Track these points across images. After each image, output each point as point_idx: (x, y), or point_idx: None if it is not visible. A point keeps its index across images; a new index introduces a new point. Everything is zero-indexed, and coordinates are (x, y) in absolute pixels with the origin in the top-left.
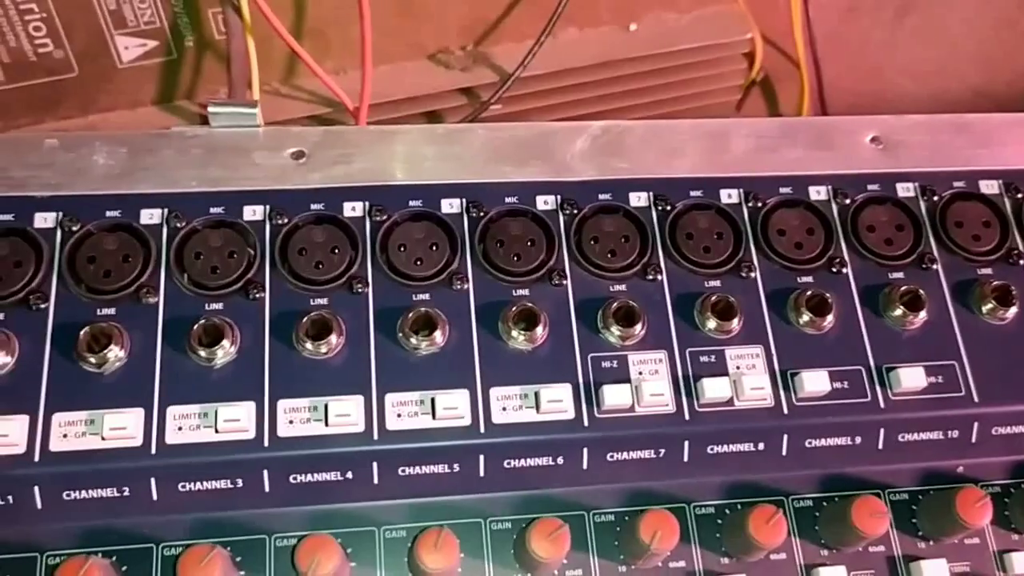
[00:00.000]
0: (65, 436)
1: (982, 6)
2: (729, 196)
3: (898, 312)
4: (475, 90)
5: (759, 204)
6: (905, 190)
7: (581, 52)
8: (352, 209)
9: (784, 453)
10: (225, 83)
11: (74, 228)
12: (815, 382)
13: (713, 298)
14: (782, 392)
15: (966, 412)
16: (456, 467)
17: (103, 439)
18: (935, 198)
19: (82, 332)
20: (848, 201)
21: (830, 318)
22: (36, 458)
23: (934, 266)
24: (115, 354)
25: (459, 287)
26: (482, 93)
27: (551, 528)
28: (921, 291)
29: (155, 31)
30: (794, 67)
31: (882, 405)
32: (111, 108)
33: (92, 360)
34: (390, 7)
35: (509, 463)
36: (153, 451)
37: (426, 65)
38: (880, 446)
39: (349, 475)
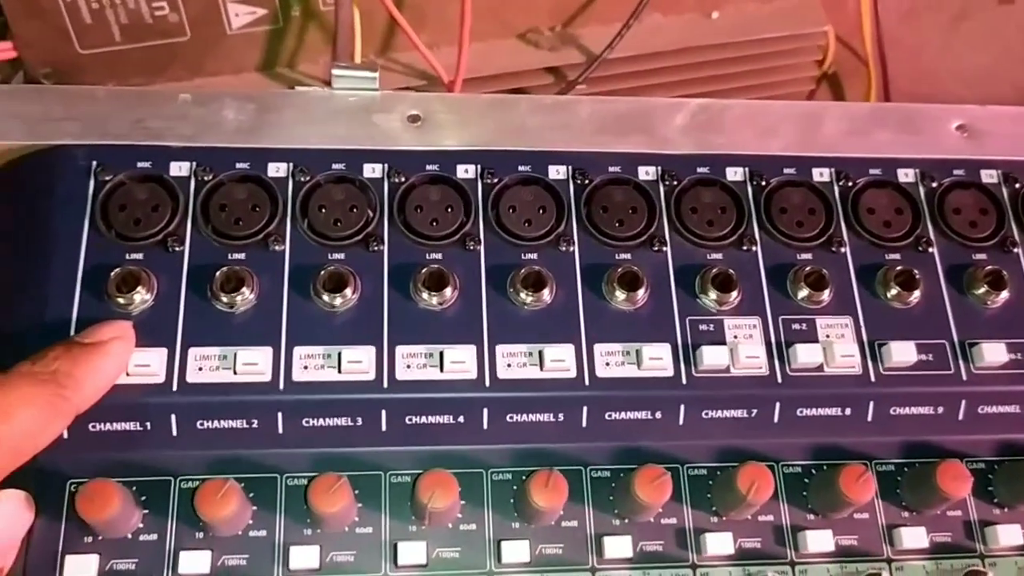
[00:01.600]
0: (200, 369)
1: None
2: (821, 175)
3: (982, 291)
4: (562, 70)
5: (850, 183)
6: (988, 176)
7: (664, 37)
8: (465, 171)
9: (870, 419)
10: (323, 53)
11: (207, 178)
12: (902, 353)
13: (806, 269)
14: (869, 361)
15: None
16: (561, 416)
17: (235, 373)
18: (1016, 185)
19: (217, 273)
20: (935, 184)
21: (917, 293)
22: (174, 387)
23: (1015, 249)
24: (246, 296)
25: (565, 248)
26: (568, 73)
27: (655, 475)
28: (1004, 272)
29: (265, 0)
30: (861, 64)
31: (964, 378)
32: (217, 72)
33: (225, 300)
34: None
35: (610, 415)
36: (281, 387)
37: (516, 44)
38: (960, 417)
39: (460, 419)
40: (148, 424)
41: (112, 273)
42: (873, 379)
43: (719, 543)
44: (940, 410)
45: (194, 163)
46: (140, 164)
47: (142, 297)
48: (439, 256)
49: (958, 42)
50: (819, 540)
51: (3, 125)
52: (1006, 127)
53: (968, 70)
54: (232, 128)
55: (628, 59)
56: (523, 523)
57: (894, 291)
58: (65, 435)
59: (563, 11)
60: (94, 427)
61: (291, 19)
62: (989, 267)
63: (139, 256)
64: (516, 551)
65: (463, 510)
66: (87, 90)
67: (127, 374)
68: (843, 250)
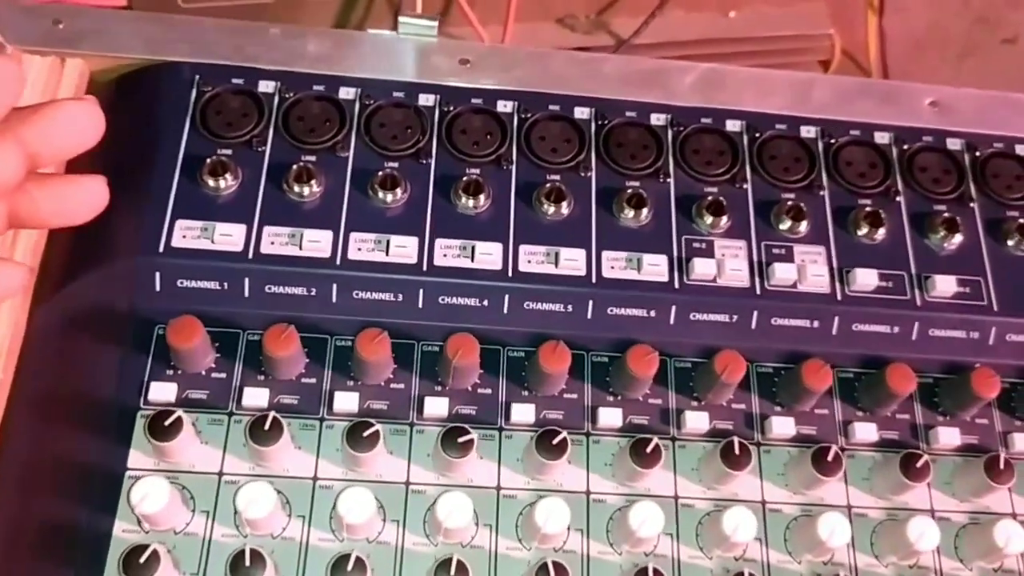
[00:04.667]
0: (272, 243)
1: None
2: (808, 132)
3: (940, 235)
4: (593, 51)
5: (832, 140)
6: (953, 144)
7: (684, 29)
8: (504, 106)
9: (834, 332)
10: (386, 18)
11: (287, 95)
12: (866, 278)
13: (788, 203)
14: (837, 284)
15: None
16: (570, 308)
17: (300, 249)
18: (977, 152)
19: (292, 167)
20: (906, 147)
21: (882, 231)
22: (249, 256)
23: (972, 204)
24: (313, 188)
25: (583, 174)
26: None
27: (645, 351)
28: (958, 219)
29: None
30: (864, 74)
31: (918, 303)
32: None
33: (296, 190)
34: None
35: (612, 310)
36: (338, 263)
37: (553, 26)
38: (914, 337)
39: (485, 303)
40: (226, 284)
41: (207, 161)
42: (839, 298)
43: (697, 421)
44: (896, 329)
45: (279, 83)
46: (234, 80)
47: (227, 183)
48: (477, 171)
49: (962, 78)
50: (783, 425)
51: (129, 42)
52: (972, 105)
53: None
54: (312, 57)
55: (651, 46)
56: (532, 391)
57: (864, 229)
58: (158, 287)
59: (597, 1)
60: (181, 283)
61: None
62: (946, 215)
63: (228, 152)
64: (524, 412)
65: (481, 377)
66: (196, 20)
67: (212, 241)
68: (822, 193)
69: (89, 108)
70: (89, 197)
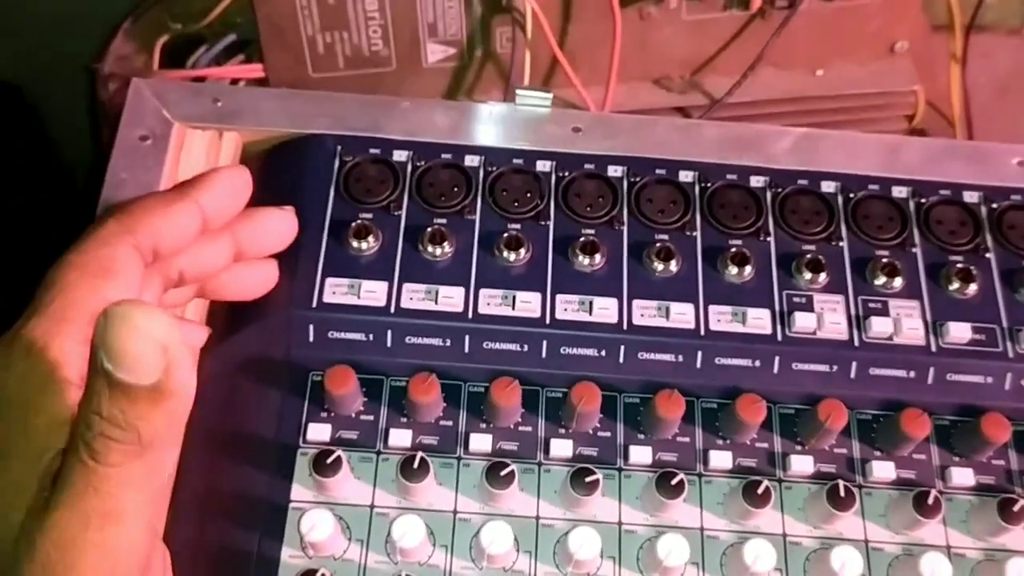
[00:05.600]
0: (411, 299)
1: None
2: (899, 192)
3: None
4: (688, 110)
5: (922, 200)
6: None
7: (774, 87)
8: (614, 171)
9: (929, 382)
10: (495, 87)
11: (419, 163)
12: (961, 331)
13: (883, 260)
14: (931, 337)
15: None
16: (680, 358)
17: (436, 303)
18: None
19: (427, 230)
20: (995, 205)
21: (973, 286)
22: (392, 311)
23: None
24: (445, 249)
25: (690, 234)
26: (693, 113)
27: (753, 400)
28: None
29: (455, 41)
30: (948, 126)
31: (1010, 355)
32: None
33: (430, 251)
34: (629, 40)
35: (719, 360)
36: (469, 316)
37: (650, 87)
38: (1007, 387)
39: (603, 353)
40: (371, 336)
41: (352, 225)
42: (933, 350)
43: (800, 464)
44: (989, 380)
45: (411, 152)
46: (372, 150)
47: (369, 244)
48: (592, 232)
49: None
50: (883, 469)
51: (277, 116)
52: None
53: None
54: (440, 128)
55: (743, 104)
56: (648, 435)
57: (956, 284)
58: (311, 338)
59: (691, 63)
60: (332, 334)
61: (474, 58)
62: None
63: (369, 216)
64: (641, 454)
65: (600, 421)
66: (336, 95)
67: (358, 297)
68: (914, 250)
69: (290, 217)
70: (263, 279)
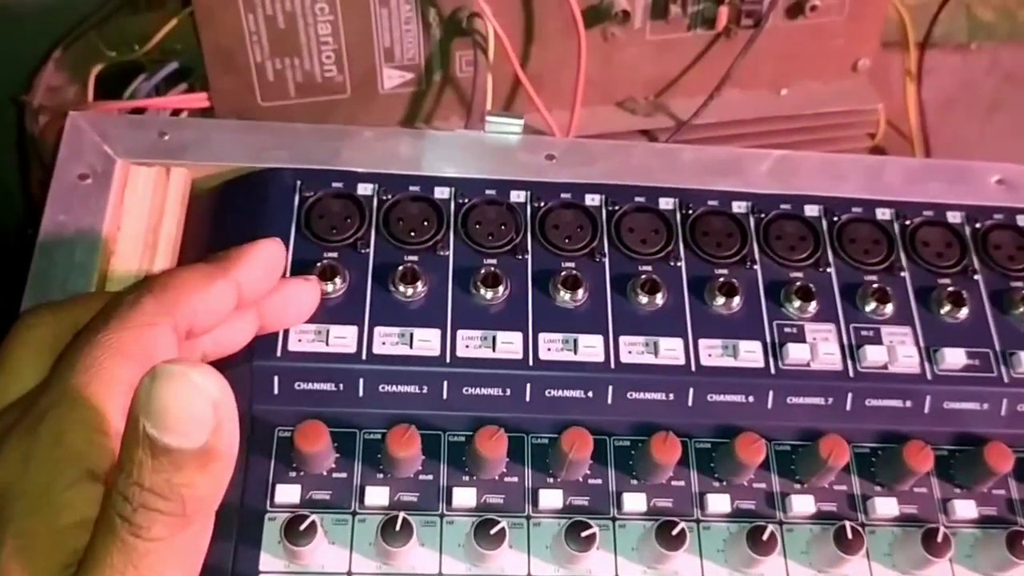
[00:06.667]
0: (383, 343)
1: None
2: (883, 214)
3: (1020, 310)
4: (653, 132)
5: (907, 222)
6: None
7: (740, 108)
8: (592, 199)
9: (927, 411)
10: (454, 112)
11: (386, 197)
12: (956, 356)
13: (872, 286)
14: (926, 364)
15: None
16: (671, 396)
17: (411, 347)
18: None
19: (397, 269)
20: (978, 225)
21: (965, 310)
22: (363, 357)
23: None
24: (419, 288)
25: (673, 264)
26: (659, 135)
27: (752, 440)
28: None
29: (413, 66)
30: (907, 143)
31: (1005, 380)
32: (367, 125)
33: (403, 291)
34: (593, 62)
35: (712, 397)
36: (447, 360)
37: (615, 110)
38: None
39: (591, 395)
40: (341, 385)
41: (316, 265)
42: (929, 377)
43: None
44: (986, 406)
45: (377, 185)
46: (335, 184)
47: (336, 286)
48: (572, 265)
49: (992, 133)
50: (886, 506)
51: (230, 149)
52: None
53: (1003, 158)
54: (406, 158)
55: (709, 125)
56: (641, 480)
57: (947, 308)
58: (276, 391)
59: (656, 84)
60: (299, 386)
61: (432, 83)
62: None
63: (334, 255)
64: (636, 502)
65: (591, 468)
66: (293, 126)
67: (326, 344)
68: (903, 274)
69: (315, 288)
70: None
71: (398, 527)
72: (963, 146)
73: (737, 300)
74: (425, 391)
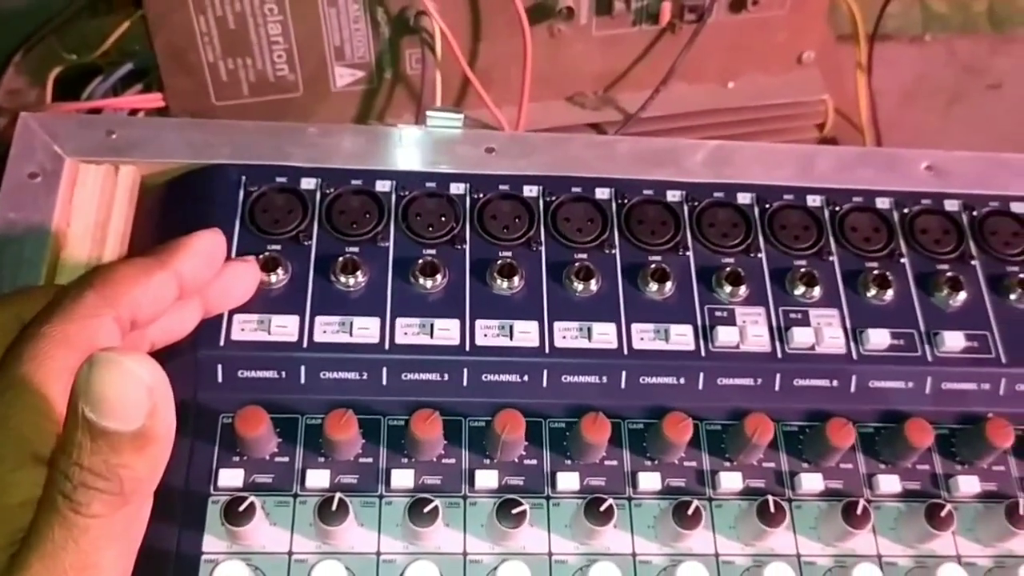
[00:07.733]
0: (324, 332)
1: None
2: (814, 200)
3: (943, 293)
4: (602, 126)
5: (837, 208)
6: (951, 205)
7: (688, 101)
8: (530, 191)
9: (852, 390)
10: (406, 109)
11: (328, 191)
12: (880, 337)
13: (801, 270)
14: (852, 344)
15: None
16: (605, 379)
17: (351, 336)
18: (973, 212)
19: (337, 260)
20: (906, 210)
21: (890, 292)
22: (304, 345)
23: (972, 262)
24: (359, 278)
25: (608, 251)
26: (608, 128)
27: (680, 419)
28: (961, 278)
29: (364, 64)
30: (858, 134)
31: (929, 359)
32: (320, 122)
33: (343, 281)
34: (541, 58)
35: (644, 379)
36: (386, 347)
37: (564, 104)
38: (927, 391)
39: (526, 378)
40: (283, 373)
41: (259, 257)
42: (855, 357)
43: (731, 481)
44: (910, 384)
45: (320, 179)
46: (278, 179)
47: (279, 277)
48: (509, 254)
49: (952, 125)
50: (812, 481)
51: (176, 147)
52: (966, 166)
53: (963, 150)
54: (348, 153)
55: (657, 118)
56: (575, 460)
57: (873, 291)
58: (219, 379)
59: (604, 79)
60: (242, 374)
61: (383, 80)
62: (949, 274)
63: (278, 247)
64: (569, 480)
65: (527, 449)
66: (237, 124)
67: (268, 333)
68: (831, 259)
69: (254, 269)
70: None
71: (334, 507)
72: (924, 138)
73: (669, 286)
74: (365, 377)
